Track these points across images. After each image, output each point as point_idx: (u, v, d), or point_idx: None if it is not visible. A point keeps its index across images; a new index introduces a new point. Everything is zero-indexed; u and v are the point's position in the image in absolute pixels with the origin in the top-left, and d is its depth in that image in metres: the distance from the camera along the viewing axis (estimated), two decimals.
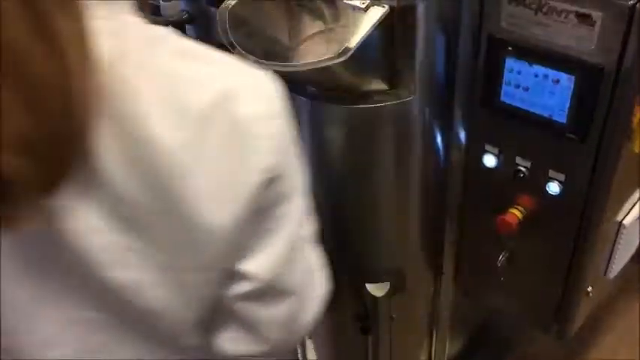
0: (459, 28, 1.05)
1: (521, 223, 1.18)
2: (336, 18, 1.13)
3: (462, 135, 1.19)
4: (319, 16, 1.14)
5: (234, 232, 0.65)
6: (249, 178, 0.63)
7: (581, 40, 0.95)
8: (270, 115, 0.67)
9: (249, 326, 0.77)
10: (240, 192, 0.63)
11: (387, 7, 0.92)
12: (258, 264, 0.71)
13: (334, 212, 1.26)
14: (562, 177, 1.09)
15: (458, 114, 1.16)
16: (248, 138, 0.63)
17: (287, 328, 0.79)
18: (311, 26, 1.20)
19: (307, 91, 1.09)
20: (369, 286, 1.29)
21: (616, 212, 1.21)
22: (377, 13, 0.93)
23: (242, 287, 0.72)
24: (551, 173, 1.10)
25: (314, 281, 0.82)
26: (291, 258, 0.74)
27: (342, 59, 0.89)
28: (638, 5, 0.88)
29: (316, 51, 1.22)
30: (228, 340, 0.79)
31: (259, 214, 0.67)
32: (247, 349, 0.79)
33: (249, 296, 0.73)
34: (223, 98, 0.62)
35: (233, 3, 1.02)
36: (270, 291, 0.74)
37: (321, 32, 1.20)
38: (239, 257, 0.70)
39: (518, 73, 1.05)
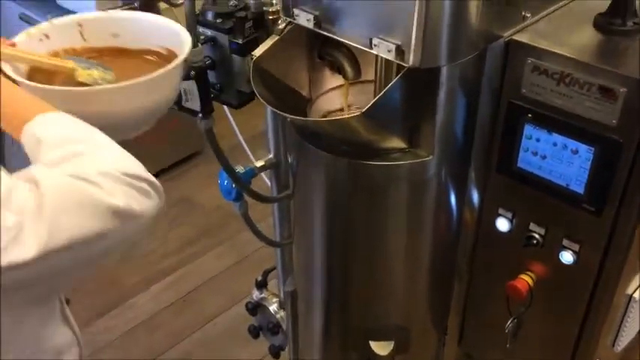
0: (480, 92, 1.06)
1: (532, 290, 1.16)
2: (358, 73, 1.15)
3: (476, 197, 1.19)
4: (340, 70, 1.15)
5: None
6: None
7: (603, 114, 0.95)
8: None
9: None
10: None
11: (409, 66, 0.92)
12: None
13: (343, 267, 1.24)
14: (576, 247, 1.08)
15: (472, 176, 1.16)
16: None
17: None
18: (331, 80, 1.21)
19: (324, 144, 1.09)
20: (373, 344, 1.26)
21: (626, 285, 1.20)
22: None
23: None
24: (566, 242, 1.09)
25: None
26: None
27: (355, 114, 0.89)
28: None
29: (335, 104, 1.23)
30: None
31: None
32: None
33: None
34: None
35: (258, 54, 1.03)
36: None
37: (341, 86, 1.21)
38: None
39: (537, 140, 1.05)
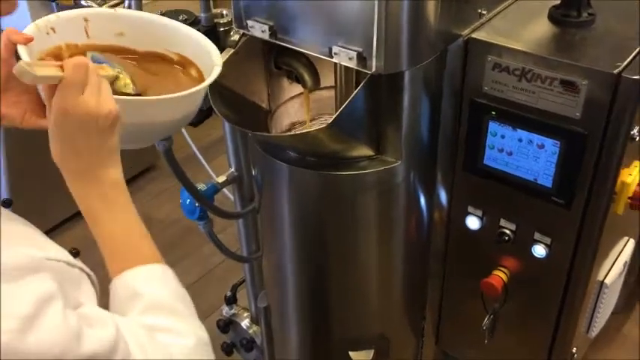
0: (442, 93, 1.05)
1: (507, 286, 1.16)
2: (317, 82, 1.12)
3: (444, 197, 1.18)
4: (299, 79, 1.12)
5: None
6: None
7: (566, 107, 0.95)
8: None
9: None
10: None
11: (372, 73, 0.90)
12: None
13: (316, 279, 1.21)
14: (548, 240, 1.08)
15: (439, 177, 1.15)
16: None
17: None
18: (290, 90, 1.18)
19: (288, 157, 1.06)
20: (353, 354, 1.24)
21: (597, 272, 1.21)
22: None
23: None
24: (537, 236, 1.09)
25: None
26: None
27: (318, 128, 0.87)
28: (623, 74, 0.89)
29: (296, 114, 1.20)
30: None
31: None
32: None
33: None
34: None
35: None
36: None
37: (300, 95, 1.18)
38: None
39: (502, 137, 1.04)
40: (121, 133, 0.78)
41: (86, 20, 0.94)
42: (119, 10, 0.97)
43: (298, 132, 1.03)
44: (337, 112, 0.88)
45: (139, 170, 2.98)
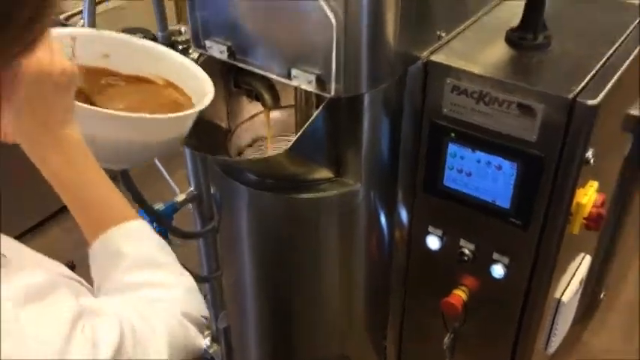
0: (402, 115, 1.05)
1: (466, 305, 1.17)
2: (277, 100, 1.11)
3: (405, 217, 1.18)
4: (258, 98, 1.11)
5: None
6: None
7: (523, 130, 0.96)
8: None
9: None
10: None
11: (331, 96, 0.89)
12: None
13: (276, 300, 1.20)
14: (506, 260, 1.09)
15: (400, 197, 1.15)
16: None
17: None
18: (249, 108, 1.17)
19: (247, 179, 1.05)
20: None
21: (554, 289, 1.23)
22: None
23: None
24: (496, 256, 1.10)
25: None
26: None
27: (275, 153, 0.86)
28: (578, 98, 0.90)
29: (256, 133, 1.19)
30: None
31: None
32: None
33: None
34: None
35: None
36: None
37: (260, 113, 1.17)
38: None
39: (461, 158, 1.05)
40: (107, 150, 0.77)
41: (73, 39, 0.93)
42: (106, 32, 0.96)
43: (257, 157, 1.02)
44: (296, 137, 0.87)
45: None
